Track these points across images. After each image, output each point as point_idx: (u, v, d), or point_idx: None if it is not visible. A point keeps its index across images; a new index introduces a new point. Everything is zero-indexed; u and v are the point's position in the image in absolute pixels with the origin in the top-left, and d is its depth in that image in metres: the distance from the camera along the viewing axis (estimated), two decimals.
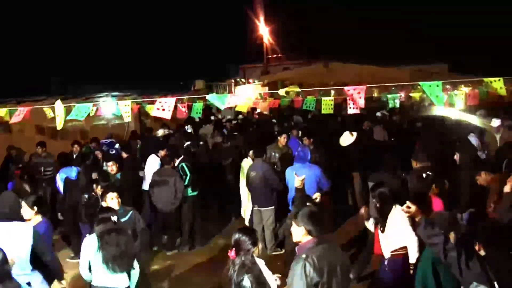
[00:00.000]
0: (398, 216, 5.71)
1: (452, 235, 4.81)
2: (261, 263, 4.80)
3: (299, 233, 4.54)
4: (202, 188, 9.87)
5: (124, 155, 10.61)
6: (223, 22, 76.60)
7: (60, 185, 9.49)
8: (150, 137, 14.23)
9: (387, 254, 5.83)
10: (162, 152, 10.13)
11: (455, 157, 8.14)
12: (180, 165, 9.53)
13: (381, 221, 5.93)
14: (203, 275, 8.17)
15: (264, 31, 38.34)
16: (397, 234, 5.74)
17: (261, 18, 38.04)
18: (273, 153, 10.40)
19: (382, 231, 5.90)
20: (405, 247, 5.73)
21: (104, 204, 6.45)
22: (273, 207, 9.07)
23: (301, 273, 4.25)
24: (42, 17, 59.33)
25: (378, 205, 5.95)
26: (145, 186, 10.08)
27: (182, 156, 9.80)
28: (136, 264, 5.60)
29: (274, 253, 8.86)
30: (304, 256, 4.32)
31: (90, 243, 5.44)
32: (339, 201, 10.14)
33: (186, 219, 9.56)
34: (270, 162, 10.00)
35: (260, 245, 4.79)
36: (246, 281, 4.46)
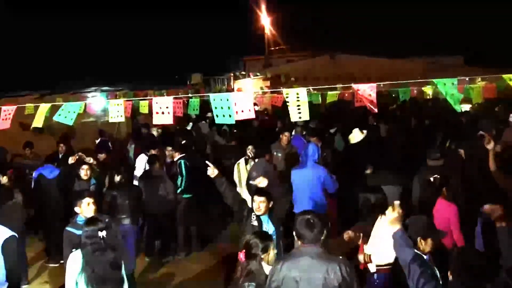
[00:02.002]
0: (384, 227, 5.47)
1: (429, 242, 4.81)
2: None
3: (295, 238, 4.64)
4: (200, 190, 9.91)
5: (102, 156, 10.75)
6: (221, 11, 75.87)
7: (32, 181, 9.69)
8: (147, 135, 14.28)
9: (372, 268, 5.75)
10: (152, 151, 10.21)
11: (461, 153, 8.17)
12: (178, 162, 9.59)
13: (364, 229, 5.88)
14: (201, 284, 8.23)
15: (265, 21, 38.23)
16: (383, 247, 5.57)
17: (263, 6, 38.00)
18: (275, 153, 10.34)
19: (365, 242, 5.83)
20: (392, 263, 5.59)
21: (77, 210, 6.13)
22: None
23: (268, 280, 4.47)
24: (24, 5, 59.25)
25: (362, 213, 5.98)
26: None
27: (182, 155, 9.82)
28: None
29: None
30: (277, 263, 4.53)
31: (75, 260, 5.19)
32: (345, 205, 10.15)
33: (181, 222, 9.59)
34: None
35: (271, 252, 4.82)
36: None
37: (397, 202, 6.18)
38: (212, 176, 6.40)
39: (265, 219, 6.14)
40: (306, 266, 4.35)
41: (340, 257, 4.54)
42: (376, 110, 6.59)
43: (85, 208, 6.11)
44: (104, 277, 5.06)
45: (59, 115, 7.49)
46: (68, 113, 7.55)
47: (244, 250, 4.74)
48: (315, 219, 4.51)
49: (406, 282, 4.50)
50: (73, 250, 5.38)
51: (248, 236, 4.91)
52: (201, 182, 10.16)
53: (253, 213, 6.16)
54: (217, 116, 6.59)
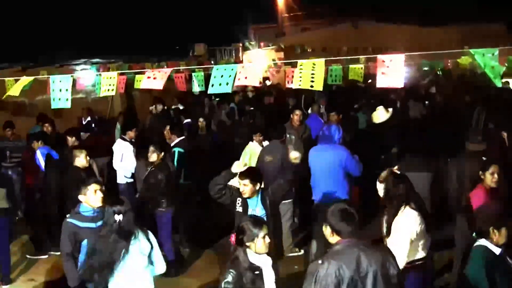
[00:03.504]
0: (406, 220, 5.65)
1: (503, 232, 4.88)
2: (265, 261, 4.94)
3: (327, 233, 4.56)
4: (201, 178, 9.98)
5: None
6: None
7: (41, 160, 9.74)
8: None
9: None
10: (130, 133, 10.30)
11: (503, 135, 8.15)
12: (173, 151, 9.65)
13: (386, 221, 5.88)
14: (201, 278, 8.35)
15: None
16: (404, 242, 5.61)
17: None
18: (288, 135, 10.06)
19: (387, 235, 5.81)
20: (422, 259, 5.69)
21: (82, 198, 6.10)
22: (291, 199, 9.13)
23: (310, 281, 4.30)
24: None
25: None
26: (120, 179, 10.27)
27: (181, 138, 9.90)
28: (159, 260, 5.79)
29: (291, 254, 9.03)
30: (320, 261, 4.36)
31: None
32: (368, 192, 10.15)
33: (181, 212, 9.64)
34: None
35: (261, 241, 4.90)
36: (229, 276, 4.72)
37: None
38: (236, 171, 6.65)
39: (253, 202, 6.58)
40: (361, 261, 4.27)
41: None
42: (398, 85, 6.52)
43: (92, 196, 6.04)
44: (104, 262, 5.35)
45: (53, 99, 7.48)
46: (59, 92, 7.53)
47: (235, 234, 4.93)
48: (352, 210, 4.49)
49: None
50: (77, 244, 5.76)
51: (244, 220, 5.05)
52: (202, 167, 10.30)
53: (238, 198, 6.65)
54: (212, 85, 6.58)
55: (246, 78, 6.49)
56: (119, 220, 5.40)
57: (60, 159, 9.72)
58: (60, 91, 7.36)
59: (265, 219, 5.98)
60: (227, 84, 6.47)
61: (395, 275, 4.37)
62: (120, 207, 5.46)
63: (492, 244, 4.83)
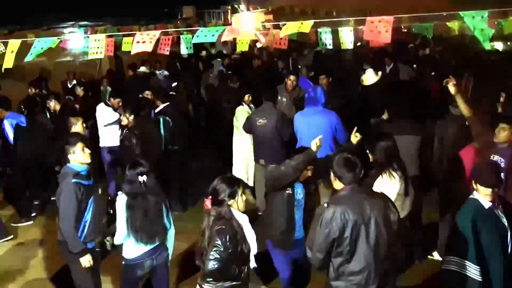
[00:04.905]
0: (385, 184, 5.77)
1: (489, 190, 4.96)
2: (244, 219, 4.99)
3: (332, 179, 4.82)
4: (188, 142, 9.98)
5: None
6: None
7: (9, 132, 9.61)
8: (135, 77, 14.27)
9: None
10: (113, 101, 10.18)
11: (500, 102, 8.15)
12: (157, 118, 9.59)
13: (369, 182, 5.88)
14: (191, 240, 8.38)
15: None
16: None
17: None
18: (279, 97, 10.17)
19: None
20: None
21: (72, 157, 6.05)
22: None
23: (317, 223, 4.53)
24: None
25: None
26: (102, 141, 10.21)
27: (165, 104, 9.81)
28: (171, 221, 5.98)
29: None
30: (326, 204, 4.61)
31: (121, 203, 5.70)
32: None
33: (171, 176, 9.72)
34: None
35: (241, 198, 4.93)
36: (225, 235, 4.70)
37: None
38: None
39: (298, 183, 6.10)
40: (364, 206, 4.51)
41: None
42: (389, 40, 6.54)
43: (80, 154, 6.04)
44: (145, 223, 5.59)
45: (31, 54, 7.45)
46: (41, 49, 7.52)
47: (210, 197, 4.93)
48: (354, 159, 4.67)
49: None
50: (83, 203, 5.85)
51: (214, 181, 5.05)
52: (189, 132, 10.27)
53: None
54: (197, 36, 6.52)
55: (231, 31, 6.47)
56: (143, 180, 5.60)
57: (31, 125, 9.66)
58: (41, 49, 7.48)
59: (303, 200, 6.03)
60: (213, 36, 6.45)
61: (396, 221, 4.62)
62: (142, 168, 5.65)
63: (483, 198, 4.91)
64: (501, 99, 8.42)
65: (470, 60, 13.22)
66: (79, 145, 6.06)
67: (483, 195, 4.93)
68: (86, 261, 5.91)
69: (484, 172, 5.04)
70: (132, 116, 8.69)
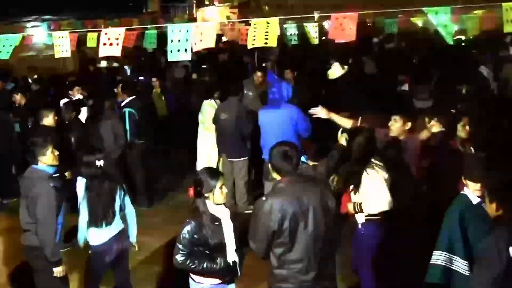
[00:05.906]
0: (373, 175, 5.82)
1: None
2: (224, 212, 5.07)
3: (270, 171, 4.92)
4: (154, 136, 9.94)
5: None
6: None
7: None
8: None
9: (361, 219, 5.96)
10: (75, 92, 10.23)
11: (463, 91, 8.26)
12: (123, 111, 9.54)
13: (354, 179, 5.99)
14: (158, 235, 8.39)
15: None
16: (375, 194, 5.81)
17: None
18: (246, 92, 10.18)
19: (355, 192, 5.97)
20: (383, 213, 5.82)
21: (43, 159, 5.91)
22: (246, 158, 9.23)
23: (255, 217, 4.63)
24: None
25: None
26: None
27: (131, 98, 9.75)
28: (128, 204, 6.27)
29: (246, 211, 9.01)
30: (264, 198, 4.69)
31: (80, 186, 6.02)
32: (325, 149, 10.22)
33: (136, 170, 9.70)
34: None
35: (219, 191, 4.98)
36: (188, 226, 4.85)
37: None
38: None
39: None
40: (302, 197, 4.57)
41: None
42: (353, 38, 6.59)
43: (51, 155, 5.90)
44: (98, 205, 5.88)
45: (8, 52, 7.28)
46: (3, 47, 7.35)
47: (194, 187, 4.97)
48: (292, 151, 4.73)
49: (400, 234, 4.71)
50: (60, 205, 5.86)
51: (200, 172, 5.18)
52: (155, 126, 10.23)
53: None
54: (170, 51, 6.51)
55: (201, 40, 6.44)
56: (101, 165, 5.88)
57: None
58: (3, 46, 7.17)
59: None
60: (186, 50, 6.44)
61: (333, 207, 4.75)
62: (99, 154, 5.97)
63: (472, 194, 4.96)
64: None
65: (434, 54, 13.39)
66: (50, 147, 5.95)
67: (472, 190, 4.94)
68: (60, 271, 5.74)
69: (472, 167, 5.08)
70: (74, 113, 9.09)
